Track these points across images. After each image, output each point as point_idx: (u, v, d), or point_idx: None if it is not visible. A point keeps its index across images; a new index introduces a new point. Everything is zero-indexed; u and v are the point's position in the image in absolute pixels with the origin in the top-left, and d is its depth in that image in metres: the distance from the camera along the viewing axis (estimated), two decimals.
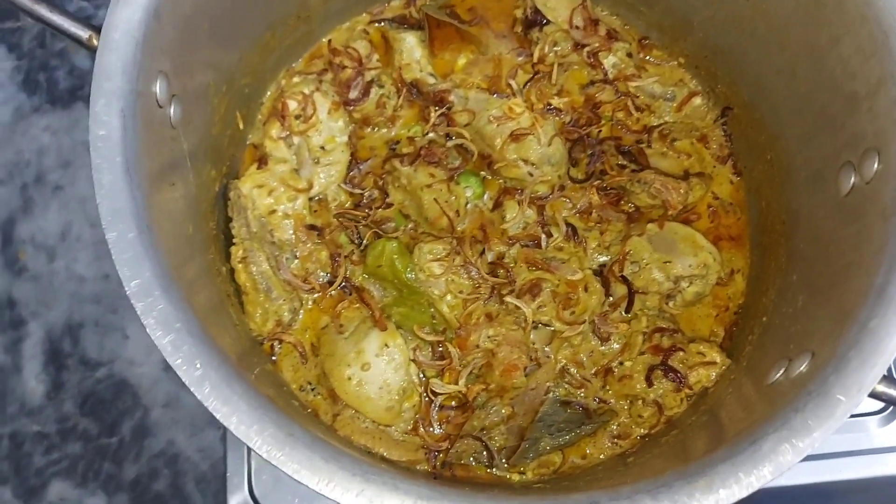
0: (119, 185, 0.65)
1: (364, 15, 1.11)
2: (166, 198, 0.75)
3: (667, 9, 1.04)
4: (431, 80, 1.08)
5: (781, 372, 0.73)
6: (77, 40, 0.70)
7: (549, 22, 1.08)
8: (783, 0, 0.87)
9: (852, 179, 0.79)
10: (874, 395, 0.64)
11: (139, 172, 0.67)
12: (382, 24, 1.12)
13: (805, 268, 0.85)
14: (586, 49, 1.08)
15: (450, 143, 1.05)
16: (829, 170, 0.83)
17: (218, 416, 0.60)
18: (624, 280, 0.98)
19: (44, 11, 0.70)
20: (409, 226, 1.03)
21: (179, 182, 0.80)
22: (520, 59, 1.11)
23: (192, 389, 0.60)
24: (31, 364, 1.47)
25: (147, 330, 0.61)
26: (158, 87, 0.74)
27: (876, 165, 0.75)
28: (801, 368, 0.69)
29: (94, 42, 0.69)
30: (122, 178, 0.65)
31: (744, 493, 0.60)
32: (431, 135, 1.06)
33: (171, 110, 0.78)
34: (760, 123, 0.99)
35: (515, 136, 1.02)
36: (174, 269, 0.66)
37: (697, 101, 1.08)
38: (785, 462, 0.61)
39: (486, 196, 1.05)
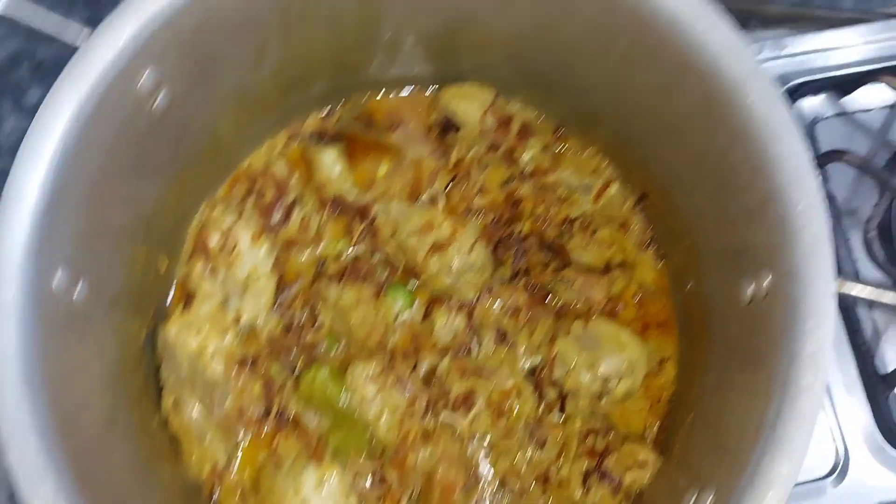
0: (18, 401, 0.65)
1: (282, 133, 1.12)
2: (77, 388, 0.75)
3: (576, 103, 1.05)
4: (353, 194, 1.10)
5: (695, 497, 0.75)
6: None
7: (461, 126, 1.09)
8: (680, 104, 0.87)
9: (751, 290, 0.80)
10: None
11: (42, 380, 0.68)
12: (300, 141, 1.13)
13: (718, 373, 0.86)
14: (501, 148, 1.09)
15: (375, 259, 1.06)
16: (735, 273, 0.84)
17: None
18: (555, 384, 1.00)
19: None
20: (342, 345, 1.04)
21: (94, 358, 0.81)
22: (439, 162, 1.12)
23: None
24: None
25: None
26: (59, 280, 0.75)
27: (767, 283, 0.76)
28: (709, 501, 0.71)
29: None
30: (23, 394, 0.66)
31: None
32: (357, 250, 1.07)
33: (77, 293, 0.78)
34: (676, 211, 1.00)
35: (437, 248, 1.03)
36: (84, 475, 0.67)
37: (614, 189, 1.09)
38: None
39: (415, 307, 1.06)
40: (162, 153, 0.95)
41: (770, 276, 0.76)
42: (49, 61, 1.41)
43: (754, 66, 0.75)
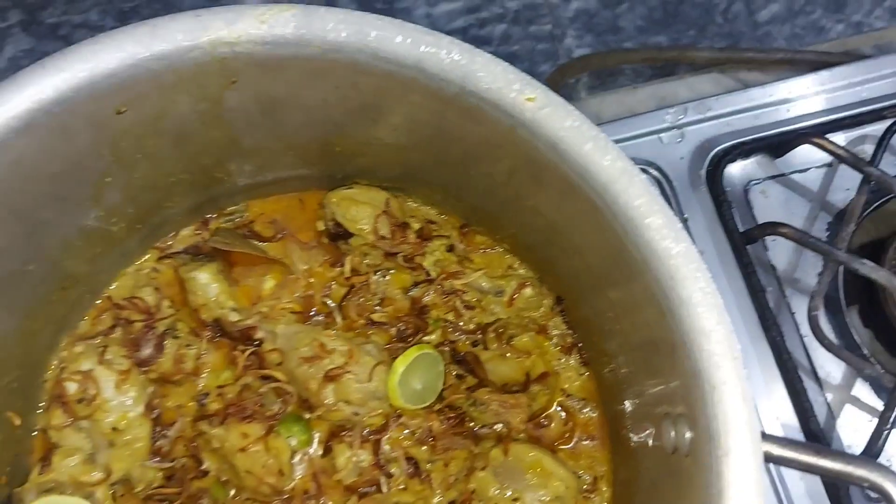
0: None
1: (151, 251, 0.99)
2: None
3: (474, 206, 0.94)
4: (235, 317, 0.96)
5: None
6: None
7: (352, 235, 0.97)
8: (575, 229, 0.77)
9: (672, 439, 0.69)
10: None
11: None
12: (174, 257, 1.00)
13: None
14: (399, 256, 0.98)
15: (263, 389, 0.94)
16: (656, 415, 0.73)
17: None
18: None
19: None
20: (231, 494, 0.91)
21: None
22: (333, 270, 1.00)
23: None
24: None
25: None
26: None
27: (688, 435, 0.65)
28: None
29: None
30: None
31: None
32: (245, 380, 0.95)
33: None
34: (594, 325, 0.90)
35: (331, 377, 0.91)
36: None
37: (528, 291, 0.97)
38: None
39: (315, 442, 0.94)
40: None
41: (689, 432, 0.65)
42: None
43: (649, 196, 0.63)
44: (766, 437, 0.62)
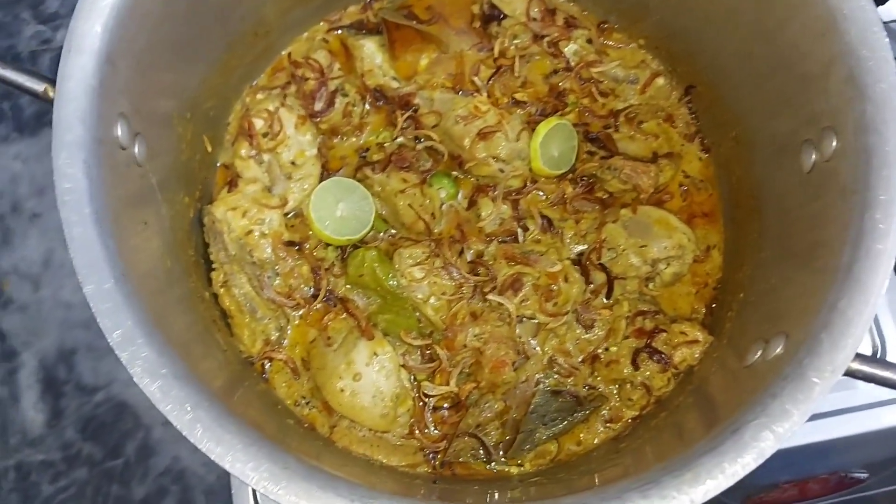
0: (90, 236, 0.65)
1: (322, 24, 1.11)
2: (140, 238, 0.75)
3: None
4: (395, 84, 1.09)
5: (759, 354, 0.75)
6: (34, 94, 0.70)
7: (506, 16, 1.07)
8: None
9: (813, 157, 0.80)
10: (849, 373, 0.66)
11: (109, 219, 0.68)
12: (341, 31, 1.11)
13: (775, 244, 0.87)
14: (546, 39, 1.08)
15: (419, 146, 1.06)
16: (792, 147, 0.84)
17: (213, 457, 0.61)
18: (602, 267, 1.00)
19: None
20: (388, 232, 1.04)
21: (152, 218, 0.81)
22: (481, 54, 1.11)
23: (184, 433, 0.62)
24: (28, 394, 1.48)
25: (134, 378, 0.62)
26: (119, 130, 0.74)
27: (834, 144, 0.76)
28: (777, 350, 0.71)
29: (51, 94, 0.69)
30: (93, 229, 0.65)
31: (730, 482, 0.62)
32: (400, 139, 1.06)
33: (136, 149, 0.78)
34: (723, 101, 1.00)
35: (483, 135, 1.03)
36: (155, 313, 0.67)
37: (660, 81, 1.08)
38: (767, 448, 0.63)
39: (459, 195, 1.06)
40: (210, 29, 0.93)
41: (834, 139, 0.76)
42: None
43: None
44: None
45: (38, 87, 0.70)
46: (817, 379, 0.64)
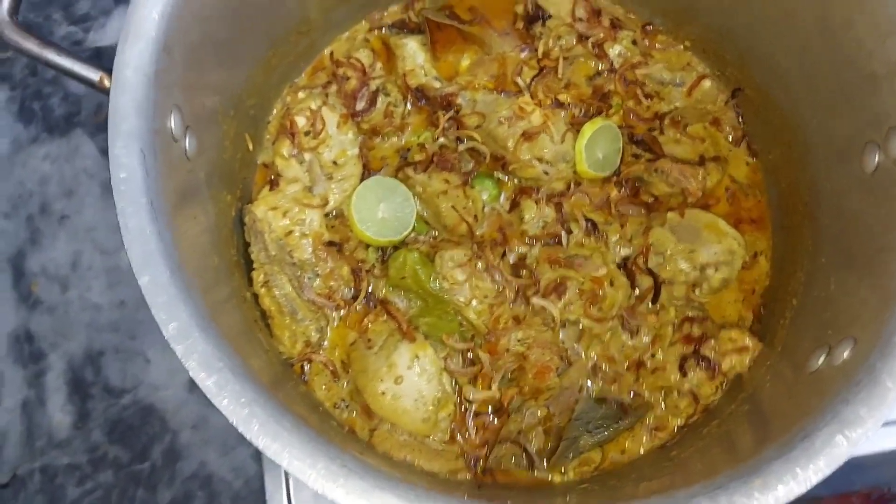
0: (146, 227, 0.64)
1: (363, 23, 1.10)
2: (191, 232, 0.74)
3: None
4: (437, 84, 1.07)
5: (823, 359, 0.73)
6: (89, 83, 0.69)
7: (551, 16, 1.06)
8: None
9: (877, 158, 0.78)
10: None
11: (163, 211, 0.66)
12: (383, 31, 1.10)
13: (834, 250, 0.84)
14: (591, 40, 1.07)
15: (461, 147, 1.04)
16: (852, 149, 0.82)
17: (269, 454, 0.60)
18: (649, 272, 0.98)
19: (52, 56, 0.69)
20: (429, 233, 1.02)
21: (200, 214, 0.80)
22: (524, 55, 1.09)
23: (240, 429, 0.60)
24: (55, 396, 1.47)
25: (190, 373, 0.61)
26: (173, 122, 0.73)
27: None
28: (845, 356, 0.69)
29: (106, 83, 0.68)
30: (149, 220, 0.64)
31: (803, 489, 0.60)
32: (442, 140, 1.05)
33: (187, 143, 0.77)
34: (774, 104, 0.98)
35: (528, 136, 1.01)
36: (209, 307, 0.66)
37: (707, 84, 1.07)
38: (840, 454, 0.61)
39: (502, 197, 1.04)
40: (256, 26, 0.92)
41: None
42: None
43: None
44: None
45: (94, 76, 0.69)
46: (892, 384, 0.62)
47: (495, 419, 0.95)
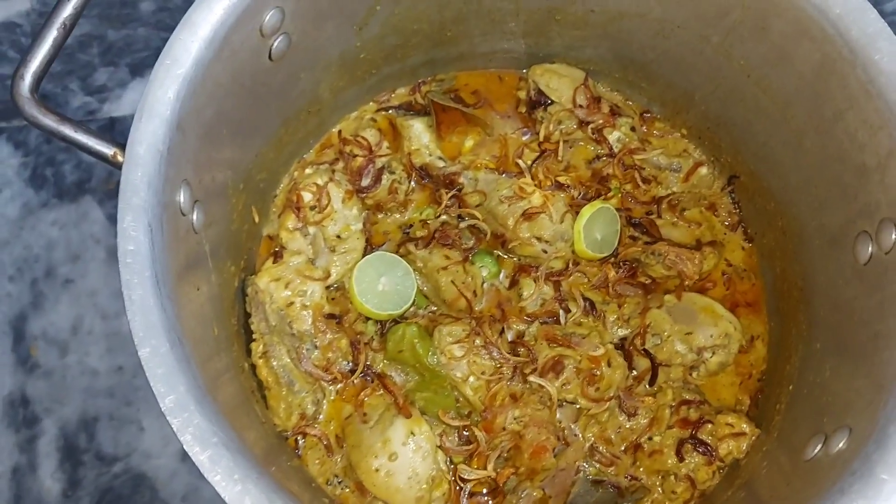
0: (149, 299, 0.65)
1: (371, 104, 1.14)
2: (193, 304, 0.75)
3: (667, 84, 1.07)
4: (441, 164, 1.10)
5: (819, 448, 0.73)
6: (102, 157, 0.72)
7: (552, 102, 1.10)
8: (786, 76, 0.88)
9: (870, 249, 0.79)
10: None
11: (167, 284, 0.68)
12: (390, 111, 1.14)
13: (828, 336, 0.85)
14: (591, 126, 1.10)
15: (463, 224, 1.06)
16: (845, 238, 0.84)
17: None
18: (646, 353, 0.98)
19: (68, 132, 0.71)
20: (428, 308, 1.03)
21: (203, 285, 0.81)
22: (525, 138, 1.13)
23: None
24: (46, 462, 1.45)
25: (184, 447, 0.61)
26: (182, 196, 0.75)
27: (894, 236, 0.76)
28: (840, 445, 0.69)
29: (119, 158, 0.71)
30: (152, 293, 0.65)
31: None
32: (444, 217, 1.07)
33: (195, 216, 0.79)
34: (768, 192, 1.01)
35: (528, 215, 1.03)
36: (207, 378, 0.66)
37: (703, 170, 1.09)
38: None
39: (501, 275, 1.06)
40: (269, 105, 0.96)
41: (893, 231, 0.76)
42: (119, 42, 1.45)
43: (881, 24, 0.76)
44: None
45: (108, 150, 0.72)
46: (887, 476, 0.62)
47: (490, 500, 0.94)
